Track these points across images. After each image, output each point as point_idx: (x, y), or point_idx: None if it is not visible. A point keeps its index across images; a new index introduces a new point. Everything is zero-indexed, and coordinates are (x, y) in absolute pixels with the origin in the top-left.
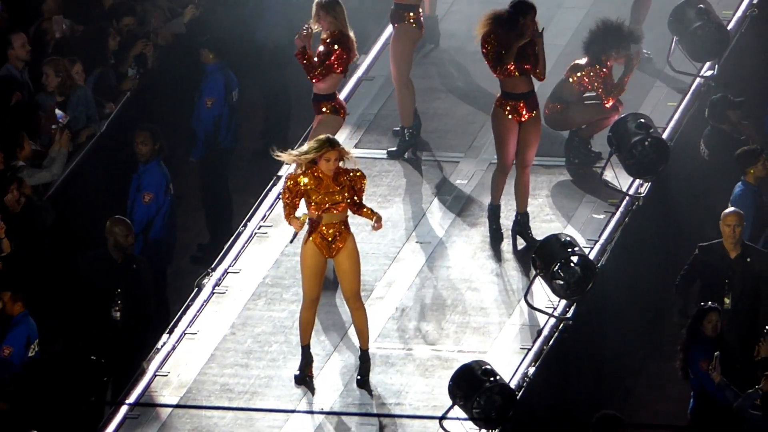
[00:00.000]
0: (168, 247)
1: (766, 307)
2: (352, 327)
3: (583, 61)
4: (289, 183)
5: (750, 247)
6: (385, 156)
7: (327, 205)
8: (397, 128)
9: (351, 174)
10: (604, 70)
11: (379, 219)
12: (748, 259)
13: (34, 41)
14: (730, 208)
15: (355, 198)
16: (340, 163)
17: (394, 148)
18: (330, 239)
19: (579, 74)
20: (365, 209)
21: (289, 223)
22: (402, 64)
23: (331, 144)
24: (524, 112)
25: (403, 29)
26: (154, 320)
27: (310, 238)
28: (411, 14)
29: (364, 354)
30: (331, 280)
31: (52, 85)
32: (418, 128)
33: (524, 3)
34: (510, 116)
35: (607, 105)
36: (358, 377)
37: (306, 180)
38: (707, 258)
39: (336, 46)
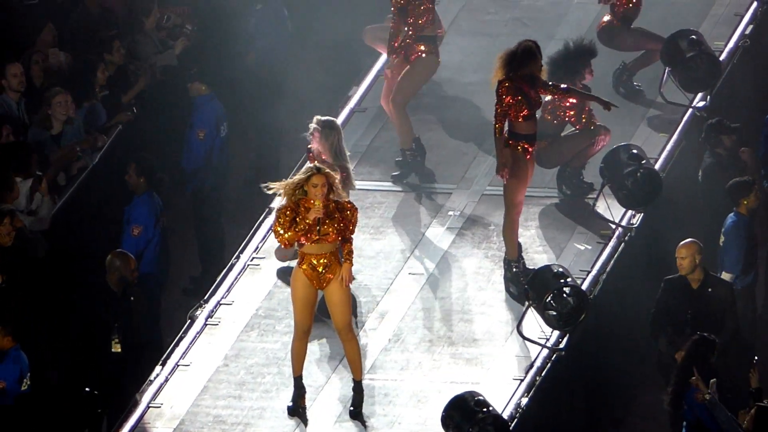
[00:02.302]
0: (159, 280)
1: (725, 337)
2: (345, 358)
3: (548, 97)
4: (279, 213)
5: (712, 277)
6: (377, 188)
7: (316, 236)
8: (399, 157)
9: (342, 205)
10: (570, 100)
11: (347, 270)
12: (710, 290)
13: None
14: (685, 240)
15: (351, 228)
16: (331, 196)
17: (397, 173)
18: (320, 270)
19: (549, 107)
20: (346, 247)
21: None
22: (407, 92)
23: (317, 169)
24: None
25: (426, 59)
26: (146, 350)
27: (301, 269)
28: (432, 46)
29: (357, 385)
30: (321, 311)
31: (62, 116)
32: (422, 155)
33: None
34: (528, 157)
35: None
36: (351, 408)
37: (296, 209)
38: (672, 290)
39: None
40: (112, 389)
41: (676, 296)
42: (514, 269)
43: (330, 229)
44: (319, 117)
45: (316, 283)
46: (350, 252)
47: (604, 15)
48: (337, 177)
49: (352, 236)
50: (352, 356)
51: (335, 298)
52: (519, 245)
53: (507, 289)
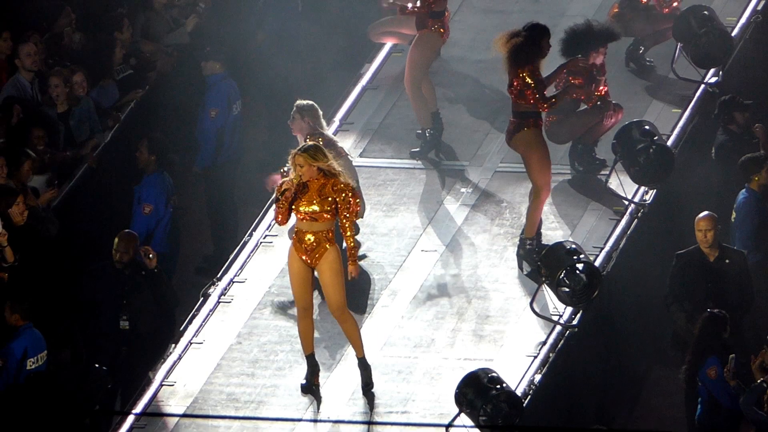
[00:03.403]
0: (170, 258)
1: (746, 307)
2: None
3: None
4: (277, 190)
5: (727, 249)
6: (389, 165)
7: (306, 214)
8: (419, 131)
9: (338, 187)
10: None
11: (353, 262)
12: (727, 261)
13: (48, 51)
14: (703, 213)
15: (345, 214)
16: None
17: (417, 149)
18: (309, 247)
19: (561, 84)
20: (348, 235)
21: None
22: (417, 70)
23: (303, 149)
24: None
25: (425, 36)
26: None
27: (293, 245)
28: (437, 22)
29: (362, 362)
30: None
31: (62, 96)
32: (439, 131)
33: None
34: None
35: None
36: (363, 385)
37: (291, 186)
38: (687, 265)
39: None
40: (124, 367)
41: (692, 271)
42: (528, 246)
43: (319, 208)
44: (299, 102)
45: (308, 259)
46: (353, 249)
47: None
48: (330, 160)
49: (350, 222)
50: (350, 335)
51: (325, 279)
52: (540, 222)
53: (519, 266)
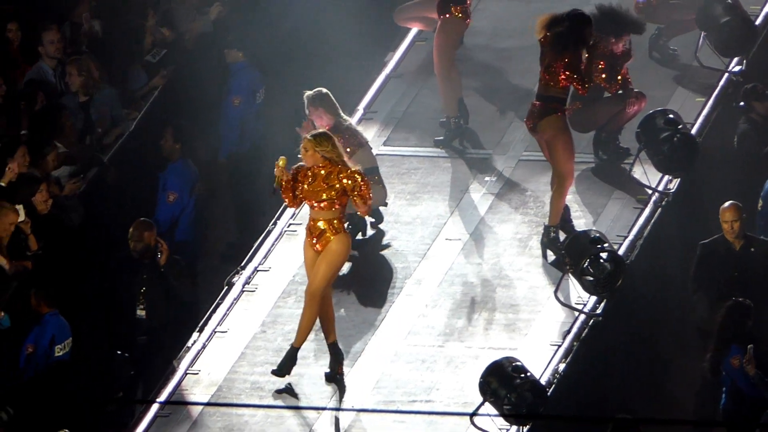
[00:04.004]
0: (194, 246)
1: None
2: (383, 324)
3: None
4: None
5: (752, 238)
6: (413, 154)
7: (314, 202)
8: (444, 119)
9: (344, 174)
10: (600, 61)
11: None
12: (752, 249)
13: (71, 39)
14: (727, 203)
15: (356, 200)
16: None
17: (441, 138)
18: (315, 234)
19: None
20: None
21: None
22: (444, 56)
23: (312, 135)
24: None
25: (448, 22)
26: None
27: (306, 233)
28: (458, 7)
29: (292, 350)
30: (358, 277)
31: (76, 85)
32: (465, 118)
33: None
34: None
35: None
36: (274, 369)
37: (302, 173)
38: (712, 254)
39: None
40: (142, 355)
41: (717, 259)
42: (552, 235)
43: (326, 196)
44: (307, 92)
45: (320, 246)
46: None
47: None
48: (336, 150)
49: (362, 202)
50: (301, 319)
51: (318, 263)
52: (566, 209)
53: (543, 255)
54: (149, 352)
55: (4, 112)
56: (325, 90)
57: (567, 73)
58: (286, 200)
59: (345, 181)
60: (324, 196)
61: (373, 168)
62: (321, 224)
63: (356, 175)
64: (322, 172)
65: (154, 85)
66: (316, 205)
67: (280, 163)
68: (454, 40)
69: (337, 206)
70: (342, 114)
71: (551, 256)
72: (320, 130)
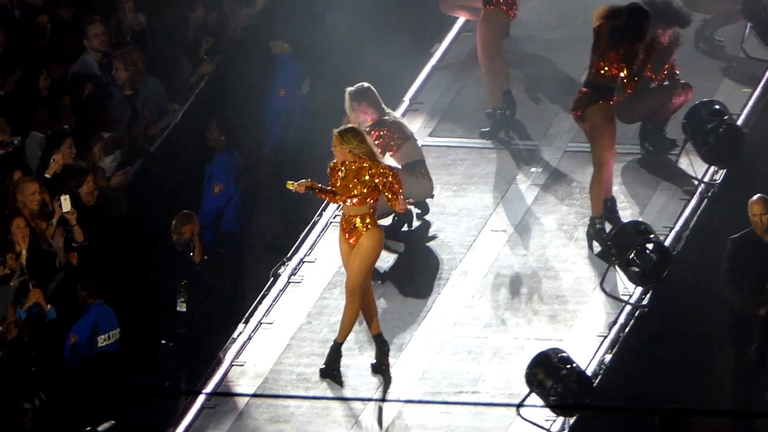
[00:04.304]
0: (240, 237)
1: None
2: (429, 315)
3: None
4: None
5: None
6: (459, 145)
7: (347, 198)
8: (489, 110)
9: (375, 171)
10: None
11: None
12: None
13: (115, 32)
14: (756, 196)
15: (388, 195)
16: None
17: (487, 129)
18: (350, 228)
19: None
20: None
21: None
22: (487, 47)
23: (339, 131)
24: None
25: (491, 13)
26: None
27: (340, 228)
28: None
29: (336, 345)
30: (404, 269)
31: (122, 78)
32: (512, 109)
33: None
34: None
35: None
36: (322, 367)
37: (335, 169)
38: (742, 248)
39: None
40: (187, 347)
41: (747, 253)
42: (597, 226)
43: (357, 192)
44: (349, 89)
45: (353, 240)
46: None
47: None
48: (364, 146)
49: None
50: (344, 316)
51: (352, 256)
52: (612, 200)
53: (589, 246)
54: (191, 345)
55: (48, 105)
56: (367, 84)
57: (621, 65)
58: (327, 200)
59: (375, 177)
60: (355, 192)
61: (419, 161)
62: (353, 219)
63: (386, 171)
64: (353, 167)
65: (203, 73)
66: (348, 200)
67: (289, 187)
68: (497, 32)
69: (369, 201)
70: (385, 108)
71: (597, 247)
72: (348, 126)
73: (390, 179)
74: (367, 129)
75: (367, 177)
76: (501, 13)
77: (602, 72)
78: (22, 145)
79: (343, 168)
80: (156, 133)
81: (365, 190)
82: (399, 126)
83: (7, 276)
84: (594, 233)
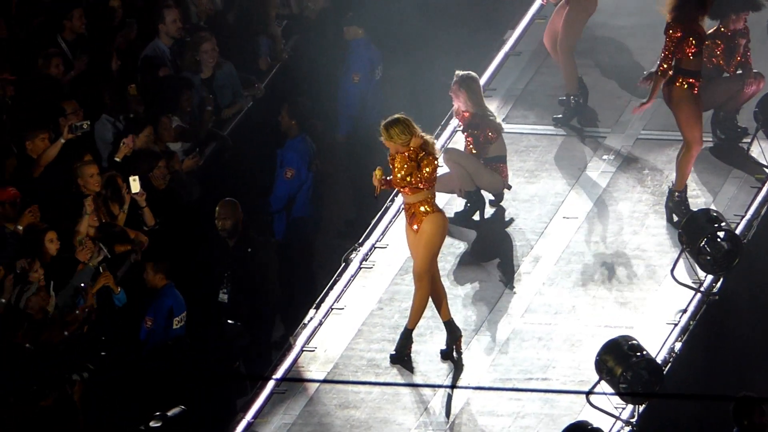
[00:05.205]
0: (312, 223)
1: None
2: (500, 301)
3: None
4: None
5: None
6: (531, 131)
7: (399, 185)
8: (563, 97)
9: (420, 159)
10: (718, 42)
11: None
12: None
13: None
14: None
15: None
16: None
17: (560, 116)
18: (409, 215)
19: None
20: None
21: None
22: (571, 33)
23: (384, 122)
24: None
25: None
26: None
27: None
28: None
29: (406, 331)
30: (476, 255)
31: (213, 61)
32: (585, 96)
33: None
34: (695, 92)
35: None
36: (392, 353)
37: (391, 159)
38: None
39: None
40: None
41: None
42: (677, 198)
43: (409, 179)
44: (458, 72)
45: (417, 226)
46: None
47: None
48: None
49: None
50: (414, 303)
51: (415, 244)
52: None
53: (668, 218)
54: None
55: (118, 89)
56: (473, 74)
57: (683, 44)
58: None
59: (425, 165)
60: (408, 180)
61: (498, 156)
62: (414, 206)
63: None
64: (405, 155)
65: (277, 61)
66: (403, 189)
67: (377, 173)
68: (583, 19)
69: (422, 187)
70: (482, 102)
71: (676, 218)
72: (392, 117)
73: (426, 162)
74: (461, 119)
75: (412, 165)
76: (588, 1)
77: (678, 56)
78: (92, 129)
79: (399, 157)
80: (229, 117)
81: (413, 179)
82: (484, 119)
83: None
84: (673, 206)
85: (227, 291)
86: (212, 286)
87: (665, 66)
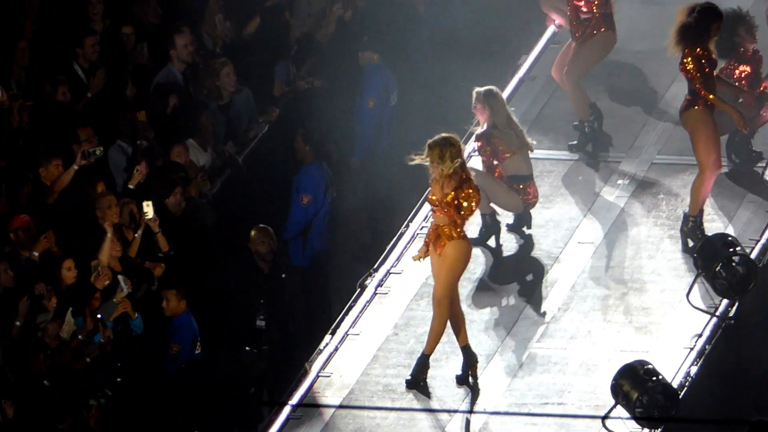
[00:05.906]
0: (327, 249)
1: None
2: (516, 326)
3: (721, 63)
4: None
5: None
6: (546, 156)
7: (432, 206)
8: (577, 122)
9: (462, 192)
10: (736, 65)
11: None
12: None
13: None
14: None
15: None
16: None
17: (575, 142)
18: (433, 238)
19: (724, 74)
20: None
21: None
22: (582, 66)
23: (428, 145)
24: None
25: (607, 37)
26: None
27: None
28: (610, 22)
29: (423, 357)
30: (491, 279)
31: (232, 86)
32: (599, 121)
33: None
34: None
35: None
36: (408, 378)
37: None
38: None
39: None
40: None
41: None
42: (692, 223)
43: (437, 202)
44: (478, 89)
45: (438, 250)
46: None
47: None
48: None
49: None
50: (432, 328)
51: (434, 269)
52: (699, 212)
53: (683, 243)
54: (274, 357)
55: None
56: (495, 89)
57: (687, 66)
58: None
59: (459, 191)
60: (437, 202)
61: (518, 176)
62: (440, 229)
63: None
64: (438, 178)
65: (297, 89)
66: (432, 210)
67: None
68: (602, 57)
69: (448, 211)
70: (503, 118)
71: (691, 244)
72: (435, 139)
73: (464, 194)
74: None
75: (445, 189)
76: (614, 37)
77: (689, 77)
78: (105, 156)
79: (438, 178)
80: (245, 143)
81: (441, 204)
82: (508, 137)
83: (110, 288)
84: (688, 231)
85: (264, 317)
86: (242, 311)
87: (705, 91)
